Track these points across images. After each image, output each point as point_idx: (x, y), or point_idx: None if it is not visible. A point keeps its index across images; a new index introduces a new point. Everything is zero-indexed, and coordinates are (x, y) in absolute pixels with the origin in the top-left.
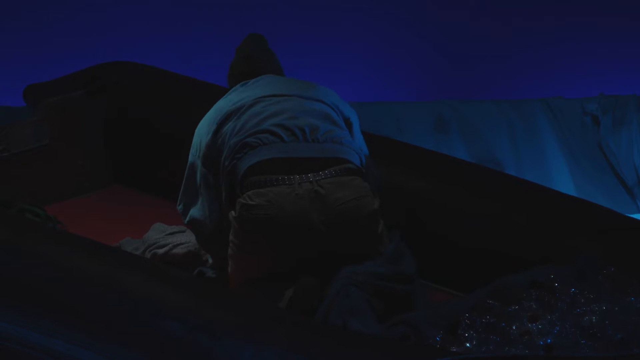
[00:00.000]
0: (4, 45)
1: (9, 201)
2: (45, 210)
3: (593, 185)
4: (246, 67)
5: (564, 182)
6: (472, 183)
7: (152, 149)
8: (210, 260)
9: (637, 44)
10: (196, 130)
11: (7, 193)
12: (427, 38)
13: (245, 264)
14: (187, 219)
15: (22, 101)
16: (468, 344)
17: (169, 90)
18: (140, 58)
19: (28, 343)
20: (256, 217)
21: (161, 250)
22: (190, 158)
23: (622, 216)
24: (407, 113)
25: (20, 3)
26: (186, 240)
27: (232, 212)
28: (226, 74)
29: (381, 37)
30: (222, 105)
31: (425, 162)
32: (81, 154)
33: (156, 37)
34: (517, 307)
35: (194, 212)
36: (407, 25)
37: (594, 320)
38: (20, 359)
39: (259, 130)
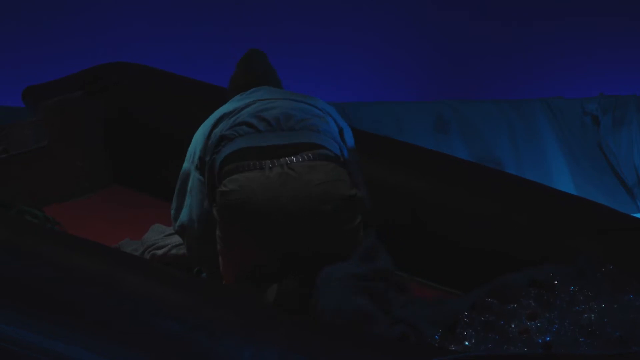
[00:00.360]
0: (4, 46)
1: (9, 202)
2: (43, 211)
3: (593, 185)
4: (246, 82)
5: (564, 182)
6: (472, 182)
7: (151, 150)
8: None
9: (637, 44)
10: (193, 138)
11: (7, 194)
12: (427, 38)
13: (232, 258)
14: (177, 224)
15: (22, 101)
16: (467, 343)
17: (168, 91)
18: (140, 58)
19: (27, 344)
20: (230, 202)
21: (160, 251)
22: (185, 164)
23: (622, 215)
24: (407, 113)
25: (20, 3)
26: None
27: (214, 209)
28: (226, 73)
29: (381, 37)
30: (217, 111)
31: (426, 162)
32: (81, 154)
33: (156, 37)
34: (516, 305)
35: (182, 216)
36: (407, 25)
37: (592, 318)
38: (20, 359)
39: (236, 123)
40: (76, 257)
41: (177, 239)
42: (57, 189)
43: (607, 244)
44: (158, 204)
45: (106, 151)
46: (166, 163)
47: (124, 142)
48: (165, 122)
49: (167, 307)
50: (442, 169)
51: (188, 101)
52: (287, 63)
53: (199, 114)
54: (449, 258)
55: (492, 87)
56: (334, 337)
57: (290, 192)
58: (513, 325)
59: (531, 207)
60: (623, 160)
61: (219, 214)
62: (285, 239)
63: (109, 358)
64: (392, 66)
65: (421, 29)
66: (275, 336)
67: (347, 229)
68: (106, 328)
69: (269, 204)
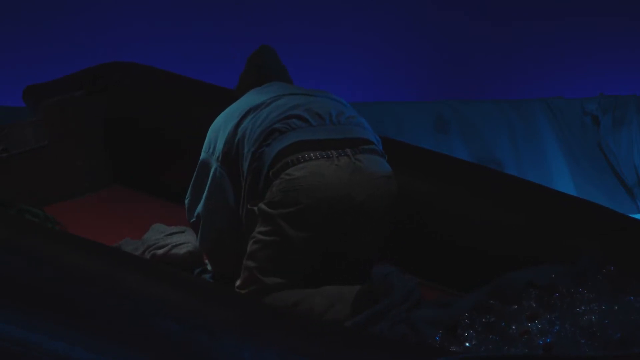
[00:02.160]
0: (4, 46)
1: (9, 201)
2: (44, 211)
3: (593, 185)
4: (258, 77)
5: (564, 182)
6: (472, 183)
7: (152, 149)
8: (209, 267)
9: (637, 44)
10: (211, 128)
11: (7, 193)
12: (427, 38)
13: (271, 258)
14: (193, 215)
15: (22, 101)
16: (467, 344)
17: (169, 91)
18: (140, 58)
19: (27, 344)
20: (299, 188)
21: (160, 251)
22: (202, 155)
23: (622, 216)
24: (407, 113)
25: (20, 3)
26: (185, 240)
27: (261, 205)
28: (226, 74)
29: (381, 37)
30: (241, 104)
31: (426, 162)
32: (81, 154)
33: (156, 37)
34: (516, 306)
35: (199, 208)
36: (407, 25)
37: (593, 319)
38: (20, 359)
39: (285, 116)
40: (76, 256)
41: (177, 239)
42: (57, 188)
43: (607, 245)
44: (158, 203)
45: (106, 151)
46: (167, 163)
47: (124, 141)
48: (165, 121)
49: (167, 307)
50: (442, 169)
51: (188, 101)
52: (287, 63)
53: (199, 113)
54: (450, 258)
55: (492, 87)
56: (334, 337)
57: (359, 181)
58: (514, 327)
59: (531, 207)
60: (623, 160)
61: (277, 205)
62: (348, 229)
63: (109, 358)
64: (392, 66)
65: (421, 29)
66: (275, 336)
67: (387, 225)
68: (106, 328)
69: (340, 193)
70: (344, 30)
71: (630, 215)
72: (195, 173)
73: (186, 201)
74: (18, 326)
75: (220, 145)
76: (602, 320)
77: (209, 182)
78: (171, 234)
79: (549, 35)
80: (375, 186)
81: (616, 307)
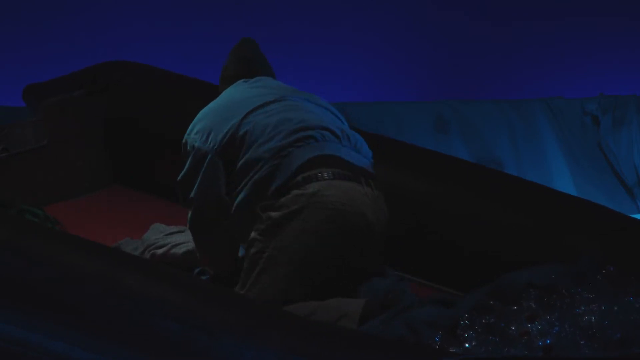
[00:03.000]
0: (4, 45)
1: (9, 201)
2: (44, 211)
3: (593, 185)
4: (241, 69)
5: (564, 182)
6: (472, 183)
7: (152, 149)
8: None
9: (637, 44)
10: (201, 118)
11: (7, 193)
12: (427, 38)
13: (282, 272)
14: (186, 198)
15: (22, 101)
16: (467, 345)
17: (169, 90)
18: (140, 58)
19: (27, 344)
20: (330, 207)
21: (160, 251)
22: (197, 144)
23: (622, 216)
24: (407, 113)
25: (20, 3)
26: (185, 240)
27: (271, 213)
28: None
29: (381, 37)
30: (238, 96)
31: (426, 162)
32: (81, 154)
33: (156, 37)
34: (516, 307)
35: (193, 194)
36: (407, 25)
37: (593, 320)
38: (20, 359)
39: (320, 127)
40: (76, 256)
41: (177, 238)
42: (57, 188)
43: (607, 245)
44: (158, 203)
45: (106, 151)
46: (166, 163)
47: (124, 141)
48: (165, 121)
49: (167, 307)
50: (442, 169)
51: (188, 101)
52: (287, 63)
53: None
54: (449, 258)
55: (492, 87)
56: (334, 337)
57: (376, 212)
58: (513, 328)
59: (531, 207)
60: (623, 160)
61: (294, 216)
62: (364, 248)
63: (109, 358)
64: (392, 66)
65: (421, 29)
66: (276, 336)
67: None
68: (106, 328)
69: (363, 220)
70: (344, 30)
71: (630, 215)
72: (190, 160)
73: (180, 186)
74: (18, 326)
75: (219, 137)
76: (602, 321)
77: (203, 170)
78: (171, 234)
79: (549, 35)
80: (383, 219)
81: (616, 308)
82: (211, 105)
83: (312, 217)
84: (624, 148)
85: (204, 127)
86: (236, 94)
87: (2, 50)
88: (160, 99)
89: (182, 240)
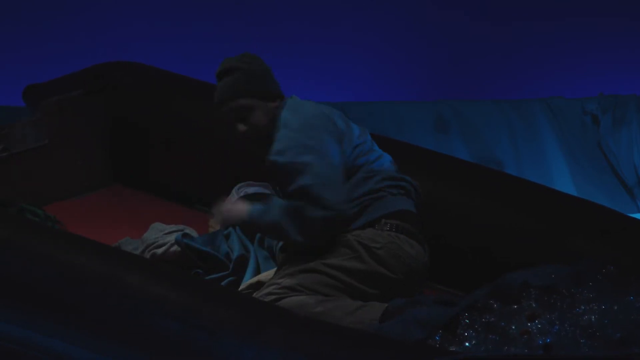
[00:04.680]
0: (4, 45)
1: (9, 201)
2: (44, 210)
3: (593, 185)
4: (271, 79)
5: (564, 182)
6: (472, 183)
7: (152, 149)
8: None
9: (637, 44)
10: (310, 115)
11: (7, 193)
12: (427, 38)
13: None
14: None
15: (22, 101)
16: (467, 344)
17: (169, 90)
18: (140, 58)
19: (28, 343)
20: (400, 260)
21: (160, 250)
22: (325, 137)
23: (623, 216)
24: (407, 113)
25: (20, 3)
26: None
27: (370, 242)
28: None
29: (381, 37)
30: (332, 119)
31: (426, 162)
32: (81, 153)
33: (156, 37)
34: (516, 306)
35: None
36: (407, 25)
37: (593, 319)
38: (20, 359)
39: (399, 177)
40: (76, 255)
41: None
42: (57, 187)
43: (607, 244)
44: (158, 203)
45: (106, 150)
46: (167, 162)
47: (124, 141)
48: (165, 121)
49: (167, 306)
50: (442, 168)
51: (188, 100)
52: (287, 63)
53: (199, 113)
54: (450, 258)
55: (492, 87)
56: (334, 337)
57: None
58: (514, 327)
59: (531, 207)
60: (623, 160)
61: (380, 254)
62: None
63: (109, 358)
64: (392, 66)
65: (421, 29)
66: (276, 336)
67: None
68: (106, 327)
69: (416, 276)
70: (344, 30)
71: (630, 215)
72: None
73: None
74: (18, 326)
75: (347, 147)
76: (602, 320)
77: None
78: (170, 233)
79: (549, 35)
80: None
81: (616, 307)
82: (312, 108)
83: (382, 261)
84: (624, 148)
85: (319, 125)
86: (321, 108)
87: (2, 50)
88: (160, 99)
89: None
